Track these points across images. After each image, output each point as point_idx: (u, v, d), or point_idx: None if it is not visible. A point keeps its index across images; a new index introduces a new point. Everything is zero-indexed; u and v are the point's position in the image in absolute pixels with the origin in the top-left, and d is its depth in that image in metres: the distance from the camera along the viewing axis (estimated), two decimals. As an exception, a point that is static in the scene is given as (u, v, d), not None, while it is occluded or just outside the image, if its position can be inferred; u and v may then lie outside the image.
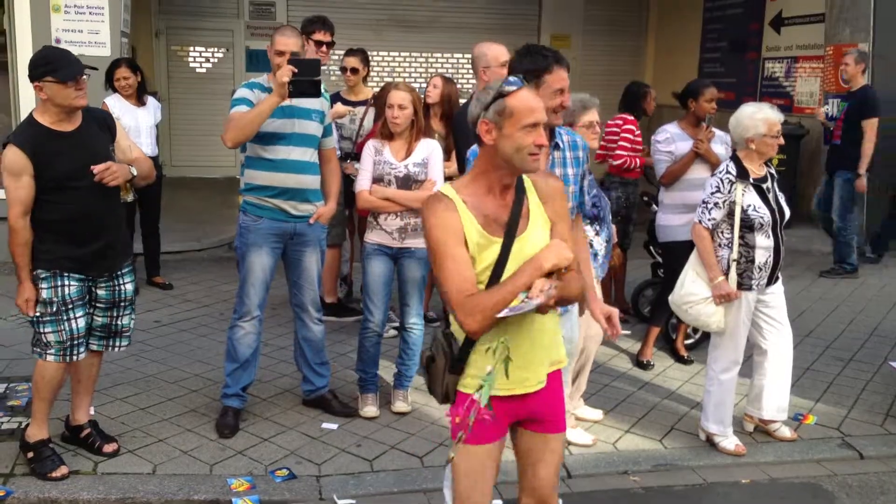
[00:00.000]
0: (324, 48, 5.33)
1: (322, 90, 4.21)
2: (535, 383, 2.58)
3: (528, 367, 2.56)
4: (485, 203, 2.49)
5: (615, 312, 3.29)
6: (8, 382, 4.73)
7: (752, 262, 4.10)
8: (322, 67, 4.26)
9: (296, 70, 3.97)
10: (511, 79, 2.45)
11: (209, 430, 4.28)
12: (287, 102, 4.10)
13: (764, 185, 4.16)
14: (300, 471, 3.94)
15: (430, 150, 4.53)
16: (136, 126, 6.51)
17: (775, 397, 4.30)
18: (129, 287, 3.89)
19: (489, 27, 12.18)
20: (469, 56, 6.12)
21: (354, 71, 6.02)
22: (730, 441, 4.23)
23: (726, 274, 4.09)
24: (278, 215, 4.26)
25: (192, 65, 12.79)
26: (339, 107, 5.69)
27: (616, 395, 4.92)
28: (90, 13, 7.20)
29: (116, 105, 6.36)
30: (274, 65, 4.15)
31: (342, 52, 6.29)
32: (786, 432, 4.37)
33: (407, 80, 12.84)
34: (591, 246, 4.22)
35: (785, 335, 4.30)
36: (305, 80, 4.00)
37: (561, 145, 3.20)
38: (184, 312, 6.28)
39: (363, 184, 4.45)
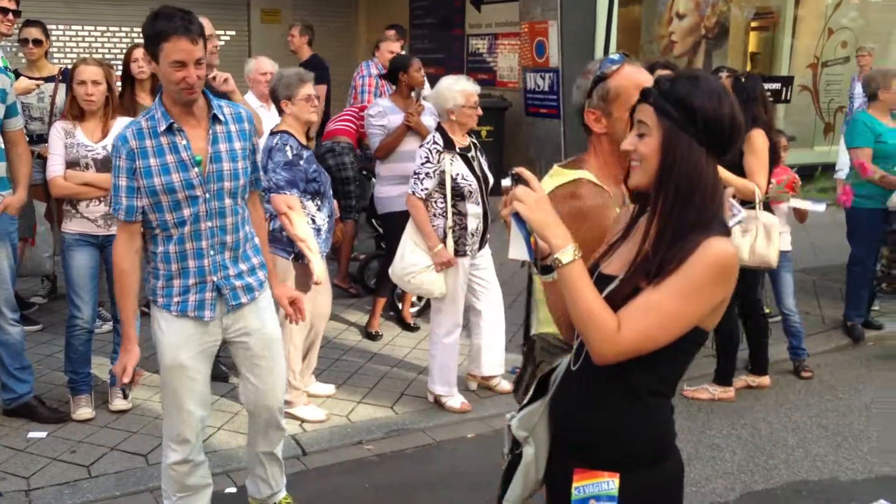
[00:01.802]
0: (10, 16, 4.82)
1: (2, 66, 3.77)
2: None
3: None
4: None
5: (300, 296, 3.28)
6: None
7: (465, 228, 4.30)
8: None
9: None
10: (612, 57, 2.19)
11: None
12: None
13: (469, 155, 4.37)
14: (6, 487, 3.58)
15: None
16: None
17: (492, 354, 4.57)
18: None
19: (198, 1, 11.65)
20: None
21: (38, 42, 5.39)
22: (455, 400, 4.44)
23: (444, 242, 4.25)
24: None
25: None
26: (23, 81, 5.13)
27: (347, 368, 4.97)
28: None
29: None
30: None
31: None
32: (505, 385, 4.66)
33: (105, 56, 11.95)
34: (314, 221, 4.20)
35: (496, 295, 4.58)
36: None
37: (222, 118, 2.89)
38: None
39: (56, 169, 4.11)
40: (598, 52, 9.43)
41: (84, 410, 4.21)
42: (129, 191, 2.82)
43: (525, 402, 2.00)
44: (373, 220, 6.35)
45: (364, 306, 6.00)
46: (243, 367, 3.11)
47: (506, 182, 1.76)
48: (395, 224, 5.30)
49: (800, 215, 5.18)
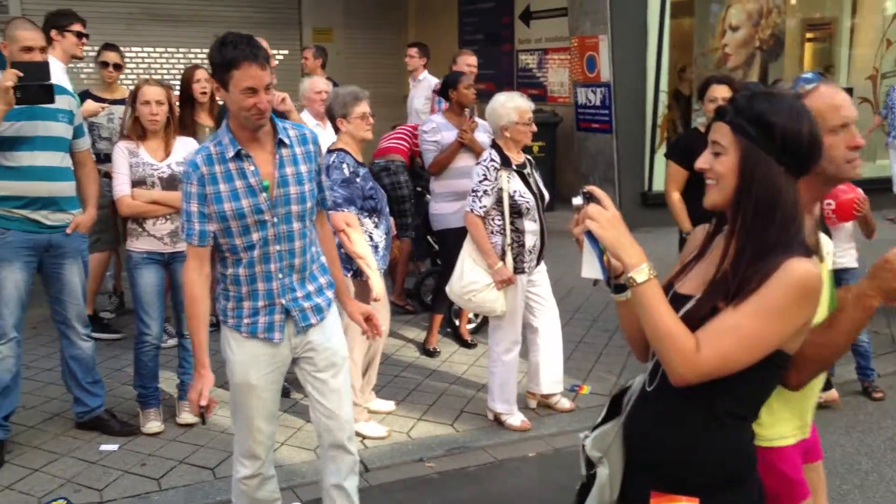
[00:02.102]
0: (83, 40, 5.07)
1: (66, 90, 3.92)
2: None
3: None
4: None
5: (374, 312, 3.28)
6: None
7: (523, 245, 4.32)
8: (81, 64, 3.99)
9: (21, 74, 3.65)
10: (805, 75, 2.10)
11: (-32, 468, 3.87)
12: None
13: (525, 171, 4.40)
14: (79, 499, 3.67)
15: (189, 148, 4.40)
16: None
17: (551, 372, 4.57)
18: None
19: (250, 21, 11.90)
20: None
21: (117, 67, 5.68)
22: (516, 418, 4.45)
23: (502, 259, 4.28)
24: (29, 227, 3.93)
25: None
26: (89, 103, 5.32)
27: (406, 385, 5.01)
28: None
29: None
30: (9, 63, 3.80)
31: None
32: (565, 403, 4.66)
33: (165, 76, 12.25)
34: (371, 238, 4.26)
35: (553, 312, 4.58)
36: (34, 85, 3.70)
37: (287, 141, 2.90)
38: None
39: (123, 188, 4.20)
40: (651, 66, 9.41)
41: (153, 424, 4.31)
42: (201, 216, 2.86)
43: (598, 421, 2.01)
44: (428, 237, 6.41)
45: (421, 323, 6.04)
46: (308, 384, 3.14)
47: (577, 200, 1.77)
48: (450, 241, 5.35)
49: (867, 231, 5.09)
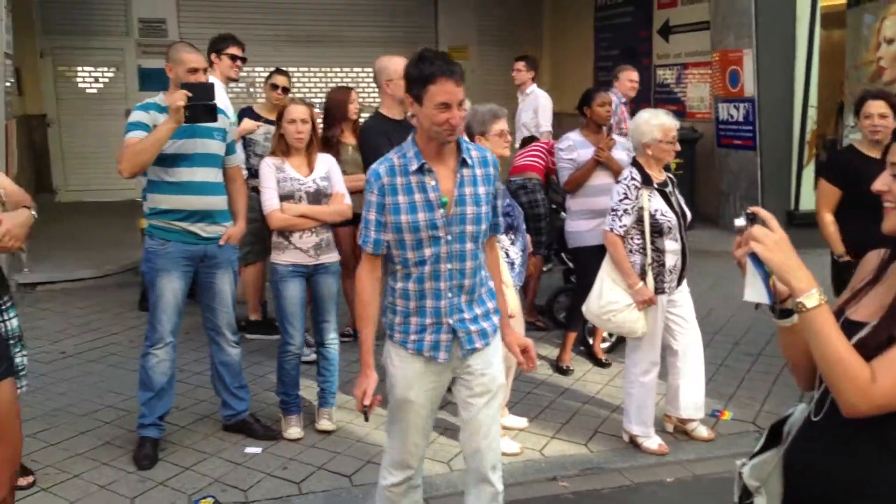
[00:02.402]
0: (238, 63, 5.36)
1: (221, 110, 4.14)
2: None
3: None
4: None
5: (531, 343, 3.20)
6: None
7: (664, 265, 4.22)
8: (232, 84, 4.22)
9: (190, 94, 3.88)
10: None
11: (127, 462, 4.12)
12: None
13: (666, 190, 4.30)
14: (225, 498, 3.83)
15: (329, 164, 4.55)
16: None
17: (691, 396, 4.43)
18: (14, 323, 3.47)
19: (387, 40, 12.22)
20: (369, 70, 6.19)
21: (285, 90, 6.00)
22: (653, 441, 4.34)
23: (643, 279, 4.19)
24: (187, 238, 4.15)
25: (81, 85, 12.35)
26: (246, 122, 5.61)
27: (539, 402, 4.98)
28: (-32, 36, 6.86)
29: None
30: (179, 83, 4.04)
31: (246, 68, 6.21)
32: (702, 432, 4.48)
33: (307, 95, 12.75)
34: (507, 255, 4.26)
35: (695, 334, 4.44)
36: (200, 105, 3.92)
37: (469, 162, 2.92)
38: (90, 342, 6.03)
39: (273, 203, 4.34)
40: (799, 81, 9.04)
41: (294, 430, 4.46)
42: (378, 225, 2.90)
43: (757, 450, 1.94)
44: (562, 254, 6.37)
45: (553, 340, 6.00)
46: (461, 406, 3.12)
47: (739, 221, 1.71)
48: (585, 258, 5.30)
49: None
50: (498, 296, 3.13)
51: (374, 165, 2.96)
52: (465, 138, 3.04)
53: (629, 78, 7.27)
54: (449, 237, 2.88)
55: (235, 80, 5.79)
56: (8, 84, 7.25)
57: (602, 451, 4.38)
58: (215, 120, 4.07)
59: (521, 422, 4.64)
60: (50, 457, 4.14)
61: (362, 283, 2.98)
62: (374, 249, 2.94)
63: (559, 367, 5.50)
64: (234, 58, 5.54)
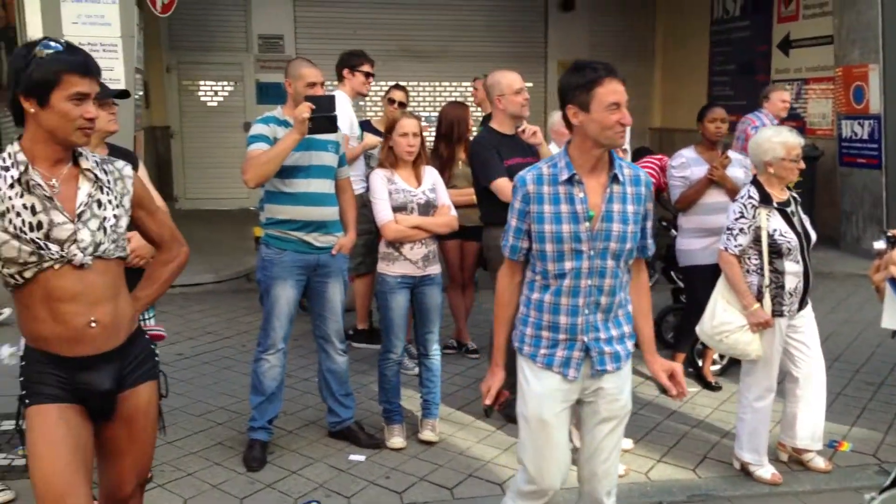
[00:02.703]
0: (370, 80, 5.65)
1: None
2: None
3: None
4: None
5: (678, 368, 3.08)
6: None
7: (783, 287, 4.05)
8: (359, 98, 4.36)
9: (314, 107, 3.99)
10: None
11: (237, 463, 4.24)
12: (305, 136, 4.12)
13: (788, 209, 4.13)
14: (329, 504, 3.90)
15: (434, 176, 4.60)
16: None
17: (809, 425, 4.22)
18: (151, 323, 3.76)
19: (497, 55, 12.27)
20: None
21: (402, 105, 6.13)
22: (765, 470, 4.16)
23: (759, 300, 4.04)
24: (301, 248, 4.25)
25: (202, 98, 12.91)
26: (370, 138, 5.76)
27: (646, 424, 4.86)
28: (104, 51, 7.25)
29: None
30: (298, 97, 4.16)
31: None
32: (819, 463, 4.27)
33: (416, 109, 12.93)
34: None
35: (817, 361, 4.24)
36: (323, 117, 4.03)
37: (621, 179, 2.85)
38: (206, 345, 6.26)
39: (387, 215, 4.38)
40: (929, 97, 8.58)
41: (397, 440, 4.50)
42: (517, 231, 2.91)
43: (887, 484, 1.84)
44: (671, 272, 6.22)
45: (661, 360, 5.85)
46: (584, 429, 3.04)
47: (879, 244, 1.63)
48: (697, 278, 5.17)
49: None
50: (644, 321, 3.03)
51: (521, 172, 2.94)
52: (622, 158, 2.99)
53: (781, 98, 7.11)
54: (591, 252, 2.81)
55: (364, 96, 5.99)
56: (137, 97, 7.64)
57: (711, 477, 4.23)
58: (335, 131, 4.18)
59: (627, 443, 4.53)
60: (166, 454, 4.30)
61: (502, 286, 3.01)
62: (511, 254, 2.95)
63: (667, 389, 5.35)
64: (367, 75, 5.79)
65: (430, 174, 4.58)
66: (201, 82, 12.88)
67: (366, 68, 5.80)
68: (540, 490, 3.00)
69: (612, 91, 2.73)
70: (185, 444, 4.46)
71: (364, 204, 5.13)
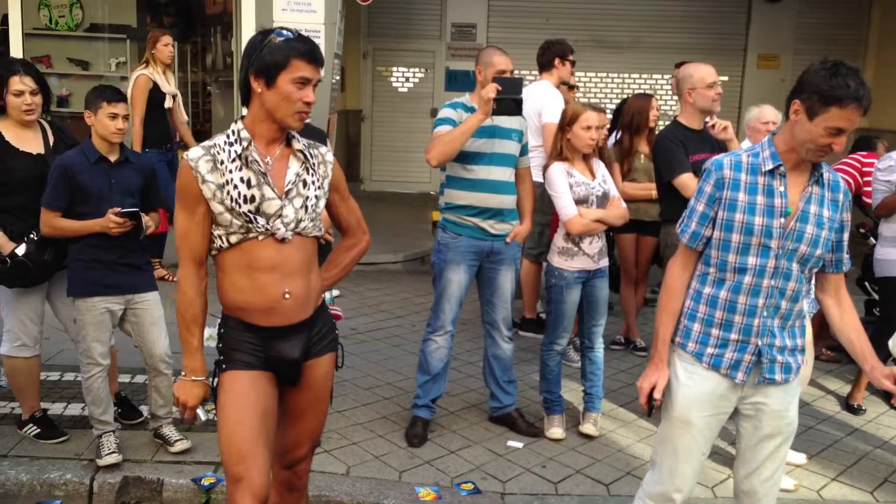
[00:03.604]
0: (573, 68, 5.95)
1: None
2: None
3: None
4: None
5: None
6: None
7: None
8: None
9: (500, 88, 4.02)
10: None
11: (399, 437, 4.40)
12: (489, 122, 4.16)
13: None
14: (485, 486, 3.95)
15: (602, 167, 4.55)
16: None
17: None
18: (327, 295, 4.03)
19: (692, 47, 11.84)
20: (668, 77, 6.10)
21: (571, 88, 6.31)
22: (955, 501, 3.83)
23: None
24: (477, 233, 4.31)
25: (394, 84, 13.36)
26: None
27: (822, 440, 4.58)
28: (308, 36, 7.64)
29: None
30: (487, 83, 4.18)
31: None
32: None
33: (603, 101, 12.74)
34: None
35: None
36: (509, 99, 4.04)
37: (821, 182, 2.70)
38: (378, 322, 6.52)
39: (571, 208, 4.31)
40: None
41: (556, 430, 4.49)
42: (703, 218, 2.76)
43: None
44: (865, 283, 5.80)
45: (845, 375, 5.50)
46: (744, 444, 2.88)
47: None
48: (894, 290, 4.81)
49: None
50: (856, 335, 2.78)
51: (717, 157, 2.82)
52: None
53: None
54: (779, 251, 2.67)
55: (567, 84, 6.10)
56: (334, 81, 8.04)
57: (891, 502, 3.94)
58: (520, 113, 4.20)
59: (800, 457, 4.30)
60: (335, 423, 4.52)
61: (673, 276, 2.85)
62: (690, 241, 2.79)
63: (849, 406, 5.02)
64: (573, 63, 5.97)
65: (599, 165, 4.52)
66: (394, 68, 13.32)
67: (572, 58, 5.95)
68: (667, 494, 2.90)
69: (846, 118, 2.50)
70: (352, 414, 4.68)
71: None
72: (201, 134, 9.14)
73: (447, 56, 13.10)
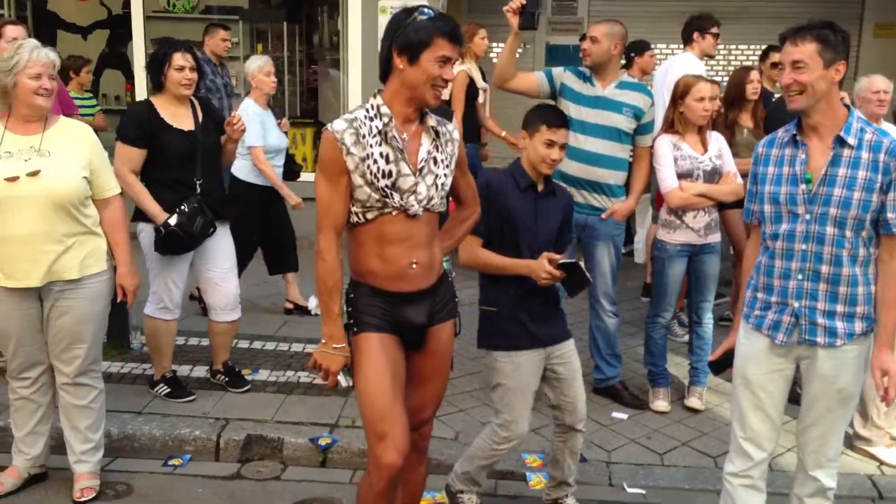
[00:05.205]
0: (717, 41, 5.95)
1: (643, 88, 4.40)
2: None
3: None
4: None
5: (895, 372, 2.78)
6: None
7: None
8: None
9: (524, 2, 4.12)
10: None
11: (505, 406, 4.51)
12: (595, 93, 4.22)
13: None
14: (590, 455, 4.03)
15: (720, 142, 4.49)
16: None
17: None
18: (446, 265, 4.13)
19: (804, 16, 11.28)
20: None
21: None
22: None
23: None
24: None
25: (495, 60, 13.33)
26: None
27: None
28: (415, 12, 7.76)
29: None
30: None
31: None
32: None
33: (709, 73, 12.42)
34: None
35: None
36: (528, 12, 4.16)
37: (850, 142, 2.70)
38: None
39: (672, 181, 4.34)
40: None
41: (661, 403, 4.53)
42: (750, 194, 2.98)
43: None
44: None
45: None
46: (803, 398, 2.95)
47: None
48: None
49: None
50: (883, 309, 2.78)
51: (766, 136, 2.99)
52: (869, 122, 2.83)
53: None
54: (808, 216, 2.76)
55: (712, 57, 6.02)
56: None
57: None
58: (534, 27, 4.30)
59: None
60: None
61: (747, 251, 3.10)
62: (745, 217, 3.02)
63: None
64: (716, 36, 5.90)
65: (717, 140, 4.48)
66: (495, 44, 13.31)
67: (715, 30, 5.88)
68: (741, 447, 3.01)
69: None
70: (461, 383, 4.82)
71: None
72: (306, 112, 9.42)
73: (548, 30, 13.00)
